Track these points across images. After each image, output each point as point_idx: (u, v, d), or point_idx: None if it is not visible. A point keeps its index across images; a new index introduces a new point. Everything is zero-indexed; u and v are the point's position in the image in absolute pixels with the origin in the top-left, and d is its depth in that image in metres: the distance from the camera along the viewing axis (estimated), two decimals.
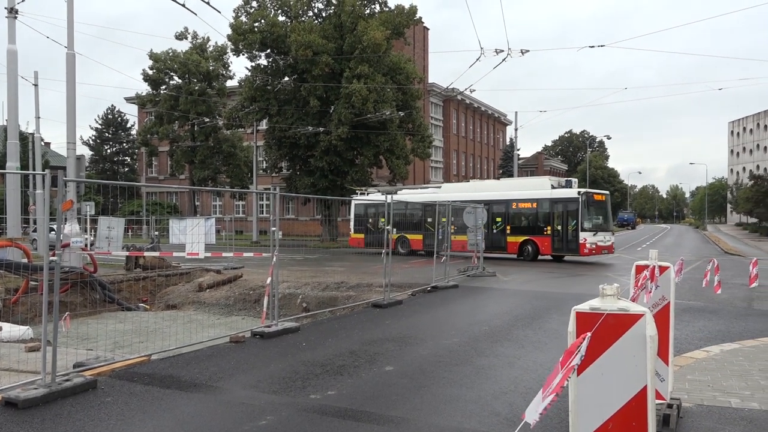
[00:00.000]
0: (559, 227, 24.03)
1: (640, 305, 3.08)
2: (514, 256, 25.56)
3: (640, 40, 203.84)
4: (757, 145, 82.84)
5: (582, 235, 23.11)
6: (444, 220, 18.87)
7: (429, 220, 27.32)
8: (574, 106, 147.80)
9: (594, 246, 23.49)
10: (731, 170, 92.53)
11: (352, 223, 31.53)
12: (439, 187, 31.14)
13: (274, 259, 9.46)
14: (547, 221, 24.46)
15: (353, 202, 30.78)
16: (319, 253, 30.69)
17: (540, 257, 25.15)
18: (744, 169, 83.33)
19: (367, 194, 31.17)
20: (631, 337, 2.79)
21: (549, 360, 7.58)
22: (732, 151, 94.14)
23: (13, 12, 16.81)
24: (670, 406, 5.05)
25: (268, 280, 9.53)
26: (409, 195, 29.38)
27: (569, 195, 23.81)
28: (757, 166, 76.71)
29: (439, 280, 15.56)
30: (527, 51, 24.62)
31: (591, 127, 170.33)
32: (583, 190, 23.95)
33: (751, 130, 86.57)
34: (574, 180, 25.90)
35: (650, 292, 4.87)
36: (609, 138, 72.39)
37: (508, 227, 25.77)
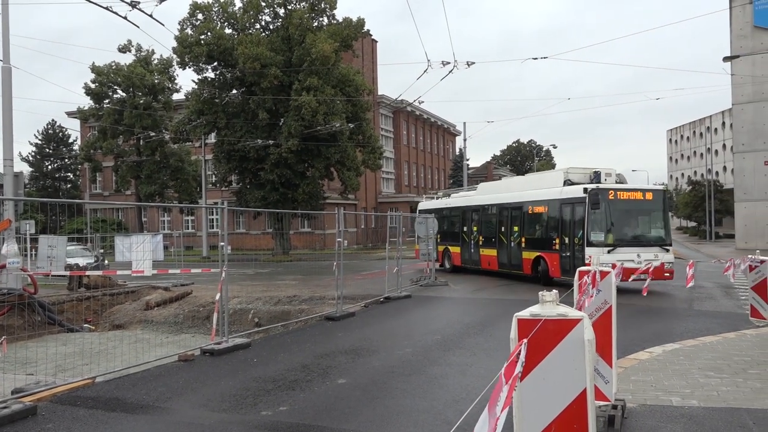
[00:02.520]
0: (567, 239, 16.74)
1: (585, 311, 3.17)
2: (530, 276, 18.62)
3: (582, 52, 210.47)
4: (694, 152, 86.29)
5: (588, 251, 15.33)
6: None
7: (465, 228, 22.87)
8: (521, 116, 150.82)
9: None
10: (671, 176, 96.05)
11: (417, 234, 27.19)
12: (475, 188, 26.03)
13: (223, 274, 9.32)
14: (557, 231, 17.31)
15: (418, 209, 26.87)
16: (271, 267, 30.34)
17: (555, 279, 17.36)
18: (683, 175, 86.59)
19: (436, 198, 27.17)
20: (570, 342, 2.87)
21: (500, 367, 7.66)
22: (671, 158, 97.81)
23: None
24: (614, 407, 5.19)
25: (217, 296, 9.38)
26: (457, 199, 25.15)
27: (575, 194, 16.37)
28: (695, 172, 79.84)
29: (392, 291, 15.60)
30: (473, 63, 25.05)
31: (538, 136, 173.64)
32: (592, 186, 15.90)
33: (688, 138, 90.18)
34: (605, 172, 16.81)
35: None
36: (555, 147, 74.32)
37: (523, 239, 18.90)
